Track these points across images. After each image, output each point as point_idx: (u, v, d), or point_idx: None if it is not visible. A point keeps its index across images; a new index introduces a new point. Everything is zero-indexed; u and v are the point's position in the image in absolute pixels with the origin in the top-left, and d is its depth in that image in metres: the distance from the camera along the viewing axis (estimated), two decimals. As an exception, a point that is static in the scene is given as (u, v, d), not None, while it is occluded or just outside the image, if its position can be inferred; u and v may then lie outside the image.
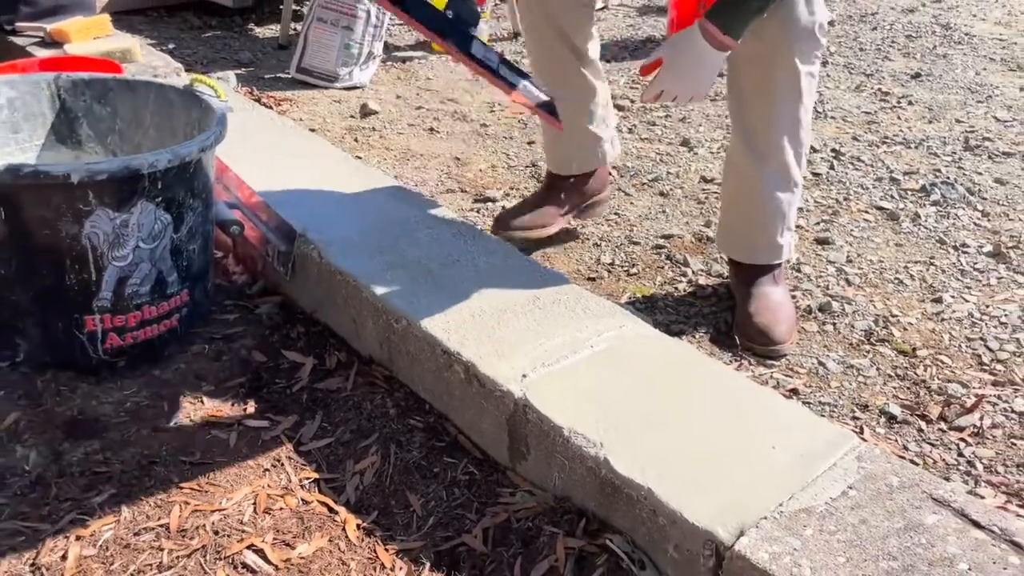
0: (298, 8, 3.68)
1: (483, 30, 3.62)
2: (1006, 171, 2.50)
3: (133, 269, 1.48)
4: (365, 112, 2.83)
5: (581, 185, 2.02)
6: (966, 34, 3.87)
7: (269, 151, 2.12)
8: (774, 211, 1.71)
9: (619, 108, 2.95)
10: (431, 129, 2.74)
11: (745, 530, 1.06)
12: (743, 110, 1.67)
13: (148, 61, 2.71)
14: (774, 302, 1.73)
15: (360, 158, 2.45)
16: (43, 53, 2.74)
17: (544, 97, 1.52)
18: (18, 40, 2.89)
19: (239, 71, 3.13)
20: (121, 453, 1.37)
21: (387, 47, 3.40)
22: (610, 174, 2.24)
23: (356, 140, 2.63)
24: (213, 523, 1.26)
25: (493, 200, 2.27)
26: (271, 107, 2.79)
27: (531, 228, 1.97)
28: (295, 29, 3.49)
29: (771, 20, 1.49)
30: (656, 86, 1.53)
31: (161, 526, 1.24)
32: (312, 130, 2.62)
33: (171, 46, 3.37)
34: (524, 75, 1.53)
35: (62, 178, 1.34)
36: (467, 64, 1.48)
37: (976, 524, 1.06)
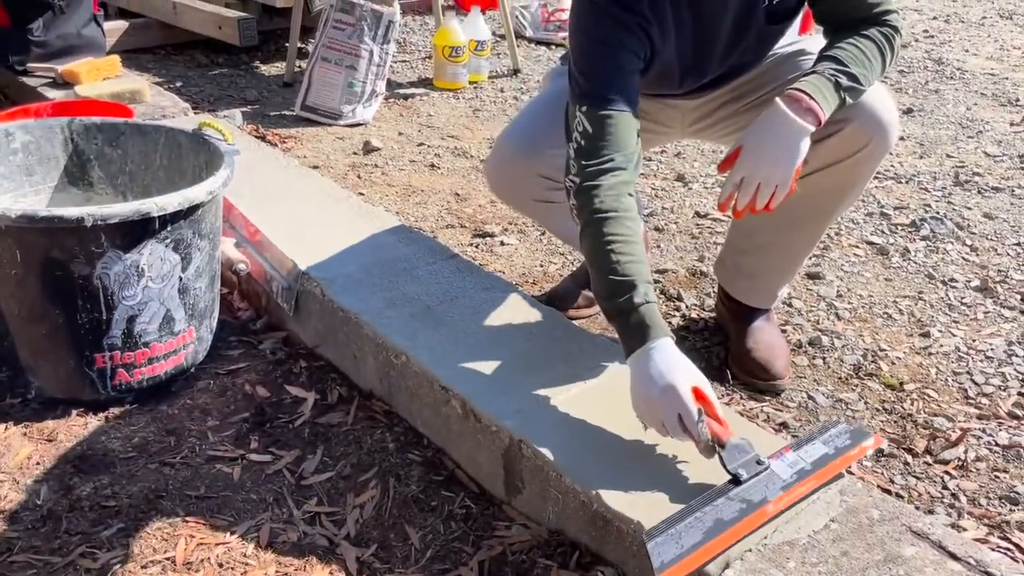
0: (303, 47, 3.76)
1: (483, 68, 3.70)
2: (995, 205, 2.56)
3: (142, 308, 1.54)
4: (368, 149, 2.89)
5: None
6: (958, 69, 3.94)
7: (273, 189, 2.19)
8: (793, 270, 1.76)
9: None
10: (432, 165, 2.81)
11: (730, 562, 1.09)
12: (807, 184, 1.53)
13: (156, 101, 2.78)
14: (770, 338, 1.77)
15: (363, 195, 2.51)
16: (54, 94, 2.82)
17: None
18: (30, 81, 2.97)
19: (245, 109, 3.21)
20: (129, 487, 1.42)
21: (389, 84, 3.48)
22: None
23: (359, 177, 2.69)
24: (218, 556, 1.30)
25: (492, 235, 2.32)
26: (276, 144, 2.86)
27: (583, 308, 1.97)
28: (300, 67, 3.57)
29: (858, 122, 1.44)
30: (736, 173, 1.39)
31: (167, 559, 1.29)
32: (316, 167, 2.69)
33: (178, 84, 3.45)
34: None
35: (76, 222, 1.40)
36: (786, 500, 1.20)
37: (953, 556, 1.09)
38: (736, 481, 1.18)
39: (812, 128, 1.35)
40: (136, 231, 1.47)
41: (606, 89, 1.36)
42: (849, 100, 1.38)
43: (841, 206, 1.61)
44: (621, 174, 1.35)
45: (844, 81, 1.36)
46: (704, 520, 1.13)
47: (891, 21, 1.40)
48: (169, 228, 1.51)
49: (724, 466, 1.19)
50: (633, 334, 1.27)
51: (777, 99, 1.36)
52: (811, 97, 1.34)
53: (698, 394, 1.22)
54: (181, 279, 1.58)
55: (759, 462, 1.20)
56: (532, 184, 1.61)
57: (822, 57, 1.40)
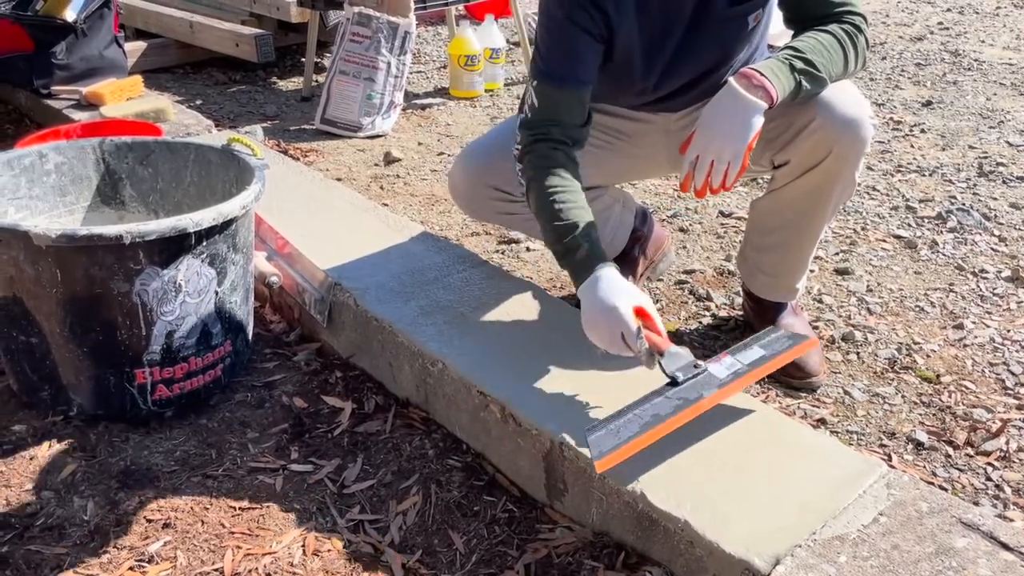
0: (319, 61, 3.79)
1: (499, 75, 3.72)
2: (1021, 195, 2.54)
3: (180, 323, 1.55)
4: (389, 160, 2.91)
5: (640, 254, 2.03)
6: (975, 60, 3.92)
7: (299, 202, 2.20)
8: (806, 263, 1.76)
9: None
10: (453, 174, 2.81)
11: (780, 559, 1.09)
12: (794, 189, 1.60)
13: (180, 119, 2.81)
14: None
15: (386, 205, 2.52)
16: (79, 115, 2.86)
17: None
18: (54, 103, 3.01)
19: (265, 124, 3.23)
20: (174, 500, 1.43)
21: (407, 95, 3.50)
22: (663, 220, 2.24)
23: (382, 188, 2.71)
24: (265, 566, 1.30)
25: (517, 241, 2.33)
26: (298, 158, 2.88)
27: None
28: (317, 82, 3.59)
29: (820, 120, 1.46)
30: (691, 152, 1.42)
31: (216, 570, 1.30)
32: (338, 179, 2.70)
33: (199, 102, 3.48)
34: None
35: (114, 240, 1.42)
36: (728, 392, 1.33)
37: (1005, 546, 1.09)
38: (674, 383, 1.30)
39: (764, 104, 1.38)
40: (173, 247, 1.49)
41: (558, 68, 1.46)
42: (806, 84, 1.41)
43: (832, 201, 1.61)
44: (559, 144, 1.47)
45: (799, 64, 1.40)
46: (642, 416, 1.25)
47: (852, 20, 1.46)
48: (205, 243, 1.53)
49: (664, 371, 1.30)
50: (580, 268, 1.40)
51: (729, 78, 1.41)
52: (762, 75, 1.38)
53: (640, 312, 1.33)
54: (217, 293, 1.60)
55: (696, 366, 1.32)
56: (486, 195, 1.70)
57: (782, 48, 1.44)
